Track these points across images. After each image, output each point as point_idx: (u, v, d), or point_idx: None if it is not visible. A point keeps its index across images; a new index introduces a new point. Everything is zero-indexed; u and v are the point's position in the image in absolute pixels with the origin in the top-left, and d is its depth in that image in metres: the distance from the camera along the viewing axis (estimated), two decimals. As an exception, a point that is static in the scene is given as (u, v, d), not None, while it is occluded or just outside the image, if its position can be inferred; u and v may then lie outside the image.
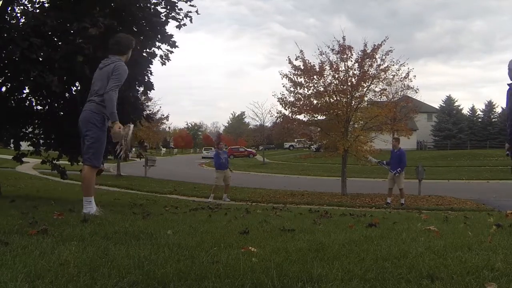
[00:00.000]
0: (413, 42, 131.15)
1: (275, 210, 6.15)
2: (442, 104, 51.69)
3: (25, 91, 7.11)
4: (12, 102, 7.15)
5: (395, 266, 2.04)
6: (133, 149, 14.54)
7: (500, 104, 48.00)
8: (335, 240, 2.74)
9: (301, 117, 15.63)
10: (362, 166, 21.11)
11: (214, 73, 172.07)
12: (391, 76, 15.10)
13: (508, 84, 4.91)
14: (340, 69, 14.54)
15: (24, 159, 7.68)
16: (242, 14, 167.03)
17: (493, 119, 49.88)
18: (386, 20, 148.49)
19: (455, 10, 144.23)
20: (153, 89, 7.84)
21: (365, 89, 14.82)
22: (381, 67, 14.50)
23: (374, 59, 14.46)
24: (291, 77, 14.88)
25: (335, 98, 14.60)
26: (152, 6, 7.35)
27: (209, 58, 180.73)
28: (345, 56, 14.51)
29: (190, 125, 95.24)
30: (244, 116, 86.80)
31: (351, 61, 14.58)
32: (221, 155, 13.28)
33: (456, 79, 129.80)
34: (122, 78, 4.04)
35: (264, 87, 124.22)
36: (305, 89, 14.87)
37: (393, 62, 14.72)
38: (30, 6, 7.09)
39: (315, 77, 14.64)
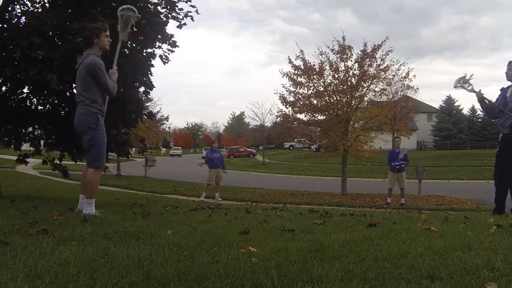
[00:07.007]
0: (419, 38, 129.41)
1: (275, 210, 6.14)
2: (442, 104, 51.64)
3: (25, 91, 7.11)
4: (12, 102, 7.15)
5: (395, 266, 2.04)
6: (134, 149, 14.57)
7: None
8: (335, 240, 2.74)
9: (301, 116, 15.69)
10: (362, 166, 21.11)
11: (213, 71, 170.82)
12: (391, 76, 15.14)
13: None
14: (340, 69, 14.56)
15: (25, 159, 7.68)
16: (243, 10, 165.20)
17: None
18: (391, 16, 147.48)
19: (463, 4, 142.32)
20: (154, 87, 7.88)
21: (365, 89, 14.84)
22: (381, 66, 14.52)
23: (374, 59, 14.48)
24: (292, 76, 14.90)
25: (335, 98, 14.62)
26: (152, 6, 7.35)
27: (208, 56, 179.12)
28: (345, 56, 14.52)
29: (190, 125, 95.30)
30: (244, 116, 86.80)
31: (351, 61, 14.62)
32: (212, 154, 13.37)
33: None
34: (102, 71, 4.00)
35: (265, 86, 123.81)
36: (305, 88, 14.91)
37: (393, 61, 14.77)
38: (31, 5, 7.09)
39: (315, 77, 14.66)
